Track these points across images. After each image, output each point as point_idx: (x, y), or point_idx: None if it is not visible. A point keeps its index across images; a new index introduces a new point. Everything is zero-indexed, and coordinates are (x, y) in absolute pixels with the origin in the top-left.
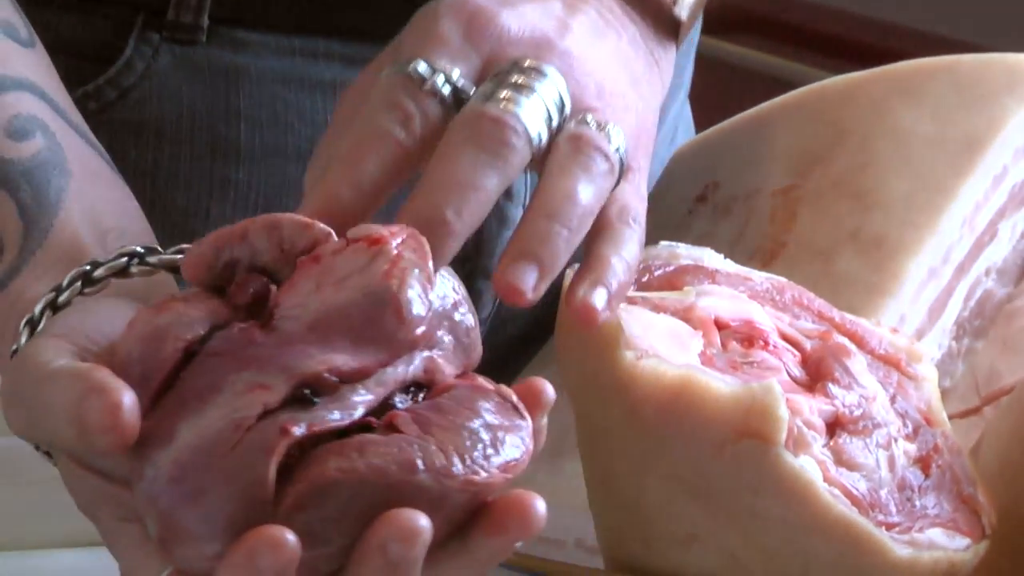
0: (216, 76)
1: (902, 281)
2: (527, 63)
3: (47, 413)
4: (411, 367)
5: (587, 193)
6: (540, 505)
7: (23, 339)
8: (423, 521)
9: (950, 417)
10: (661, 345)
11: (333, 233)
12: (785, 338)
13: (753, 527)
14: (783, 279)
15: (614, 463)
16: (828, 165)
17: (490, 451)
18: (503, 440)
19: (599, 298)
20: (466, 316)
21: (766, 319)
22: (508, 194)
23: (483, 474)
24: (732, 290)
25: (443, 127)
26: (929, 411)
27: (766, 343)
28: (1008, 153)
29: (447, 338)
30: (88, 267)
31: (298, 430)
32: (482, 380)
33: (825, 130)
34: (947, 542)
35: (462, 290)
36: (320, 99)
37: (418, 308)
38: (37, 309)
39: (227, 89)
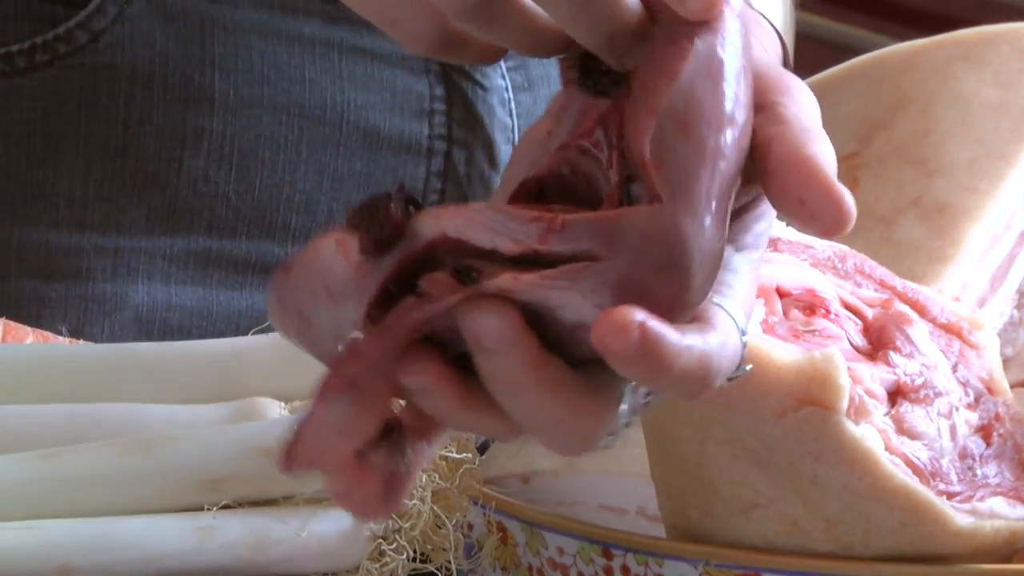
0: (190, 24)
1: (964, 248)
2: None
3: None
4: None
5: None
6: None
7: None
8: None
9: (1012, 386)
10: None
11: None
12: (846, 306)
13: (814, 495)
14: (845, 247)
15: (676, 430)
16: (890, 132)
17: None
18: None
19: None
20: None
21: (828, 287)
22: (493, 164)
23: None
24: (794, 258)
25: None
26: (991, 380)
27: (827, 311)
28: None
29: None
30: None
31: None
32: None
33: (887, 97)
34: (1008, 511)
35: None
36: (298, 53)
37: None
38: None
39: (202, 37)
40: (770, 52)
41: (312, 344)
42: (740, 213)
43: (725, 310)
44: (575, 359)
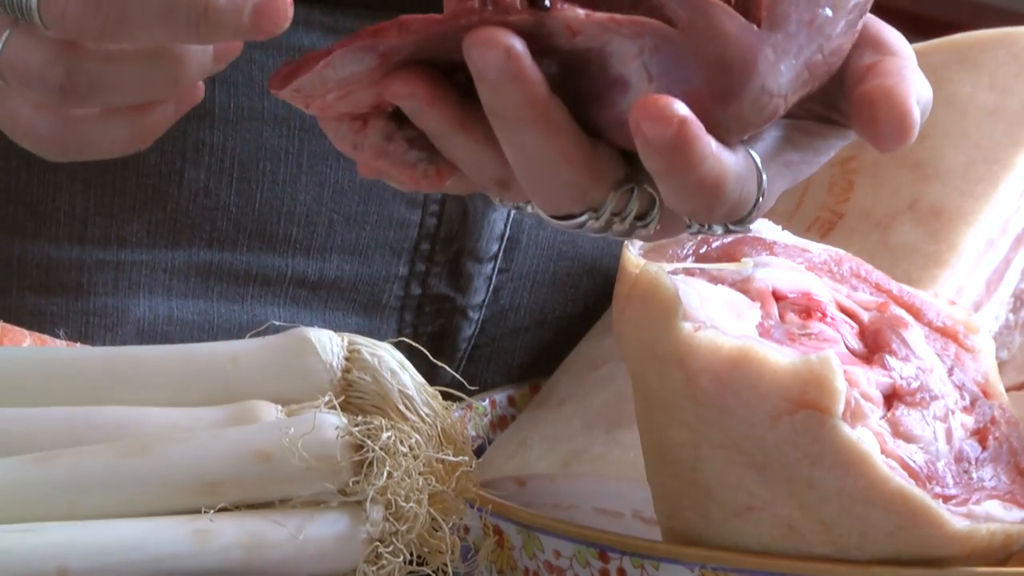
0: None
1: (960, 252)
2: None
3: None
4: None
5: None
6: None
7: None
8: None
9: (1007, 389)
10: (719, 316)
11: None
12: (843, 310)
13: (810, 498)
14: (841, 251)
15: (672, 434)
16: None
17: None
18: None
19: None
20: None
21: (824, 291)
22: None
23: None
24: (790, 261)
25: None
26: (986, 383)
27: (823, 315)
28: None
29: None
30: None
31: None
32: None
33: None
34: (1004, 514)
35: None
36: None
37: None
38: None
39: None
40: None
41: None
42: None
43: (755, 160)
44: (591, 127)
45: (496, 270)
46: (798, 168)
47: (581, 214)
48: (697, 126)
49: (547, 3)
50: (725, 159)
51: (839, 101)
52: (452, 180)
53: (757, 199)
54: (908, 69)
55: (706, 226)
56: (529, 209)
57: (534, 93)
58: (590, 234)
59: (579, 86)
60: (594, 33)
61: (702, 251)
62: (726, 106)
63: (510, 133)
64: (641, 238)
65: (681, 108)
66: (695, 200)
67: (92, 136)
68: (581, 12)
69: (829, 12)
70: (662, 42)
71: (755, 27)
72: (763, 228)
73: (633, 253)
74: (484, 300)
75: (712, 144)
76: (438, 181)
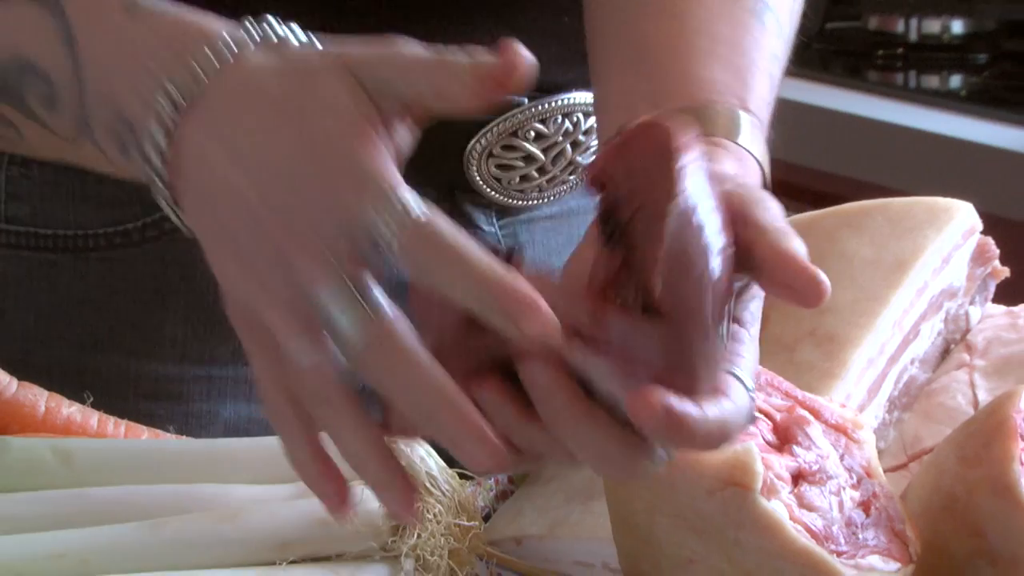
0: None
1: (848, 368)
2: None
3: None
4: None
5: None
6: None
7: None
8: None
9: (885, 471)
10: None
11: None
12: (760, 411)
13: (737, 554)
14: (759, 367)
15: (632, 504)
16: None
17: None
18: None
19: None
20: None
21: None
22: None
23: None
24: None
25: None
26: (869, 467)
27: None
28: (928, 271)
29: None
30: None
31: None
32: None
33: None
34: (883, 566)
35: None
36: None
37: None
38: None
39: None
40: (750, 176)
41: None
42: (739, 294)
43: (738, 377)
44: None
45: None
46: (755, 320)
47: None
48: (679, 405)
49: None
50: (716, 413)
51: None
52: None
53: (751, 400)
54: (786, 239)
55: None
56: None
57: (573, 401)
58: None
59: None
60: (577, 361)
61: None
62: (694, 387)
63: (564, 433)
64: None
65: (662, 395)
66: (712, 445)
67: None
68: (568, 343)
69: (709, 269)
70: (627, 366)
71: (678, 327)
72: None
73: None
74: None
75: (701, 413)
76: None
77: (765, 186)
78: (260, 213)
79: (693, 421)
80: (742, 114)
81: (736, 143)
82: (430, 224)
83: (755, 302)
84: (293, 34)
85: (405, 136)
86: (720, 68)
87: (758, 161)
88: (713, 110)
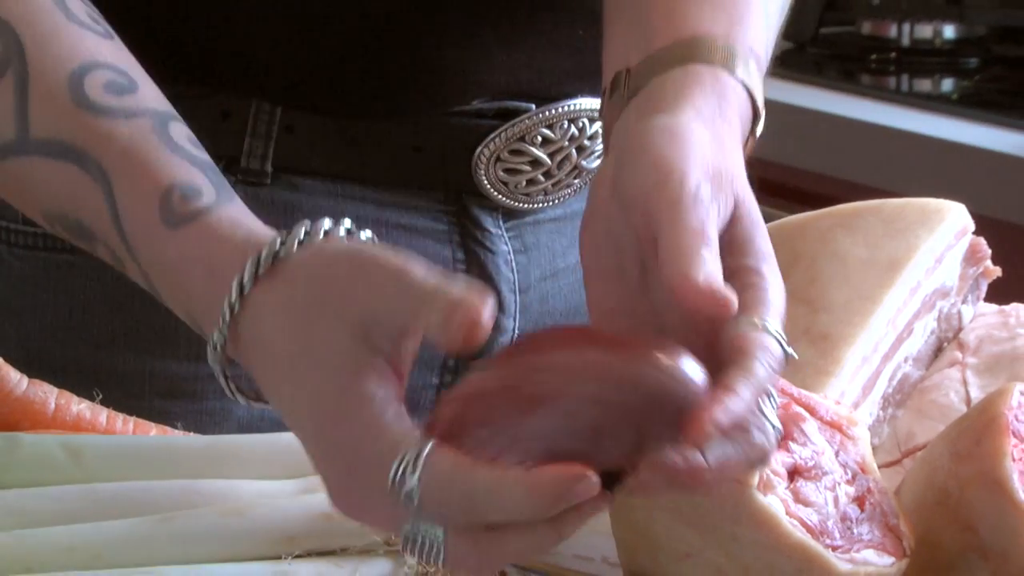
0: (277, 210)
1: (842, 366)
2: None
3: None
4: None
5: None
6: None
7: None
8: None
9: (879, 467)
10: None
11: None
12: None
13: (733, 548)
14: None
15: (632, 500)
16: (786, 280)
17: None
18: None
19: None
20: None
21: None
22: (502, 308)
23: None
24: None
25: None
26: (863, 462)
27: None
28: (921, 271)
29: None
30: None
31: None
32: None
33: (784, 255)
34: (877, 560)
35: None
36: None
37: None
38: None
39: (286, 220)
40: (739, 118)
41: None
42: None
43: (769, 331)
44: None
45: None
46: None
47: None
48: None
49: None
50: (716, 454)
51: None
52: None
53: (781, 344)
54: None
55: None
56: None
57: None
58: None
59: None
60: None
61: None
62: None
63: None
64: None
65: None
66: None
67: None
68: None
69: None
70: None
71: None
72: None
73: None
74: None
75: (706, 459)
76: None
77: (756, 118)
78: (314, 451)
79: (704, 472)
80: (736, 46)
81: (734, 76)
82: (439, 463)
83: (758, 236)
84: (337, 231)
85: (411, 346)
86: (710, 7)
87: (750, 95)
88: (704, 42)
